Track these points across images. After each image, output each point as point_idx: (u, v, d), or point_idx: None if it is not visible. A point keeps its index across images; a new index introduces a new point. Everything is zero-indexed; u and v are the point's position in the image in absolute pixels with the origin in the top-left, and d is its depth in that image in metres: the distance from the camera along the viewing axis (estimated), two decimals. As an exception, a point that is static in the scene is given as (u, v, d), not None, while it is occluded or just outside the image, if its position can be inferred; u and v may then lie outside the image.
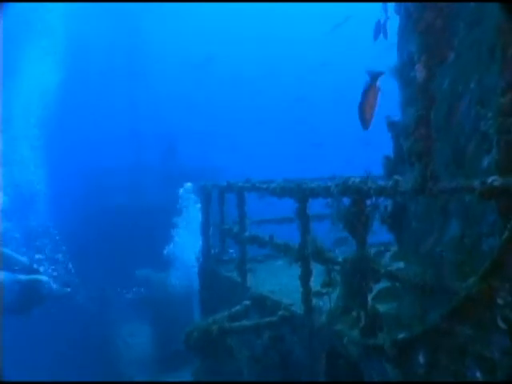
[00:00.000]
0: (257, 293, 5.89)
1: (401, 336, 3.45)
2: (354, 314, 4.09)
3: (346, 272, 3.99)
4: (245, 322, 5.16)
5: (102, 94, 25.67)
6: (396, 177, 3.43)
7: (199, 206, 9.60)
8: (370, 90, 3.57)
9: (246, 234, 6.45)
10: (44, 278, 9.94)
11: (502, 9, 2.83)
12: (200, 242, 8.21)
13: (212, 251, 8.09)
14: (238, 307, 5.54)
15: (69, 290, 10.48)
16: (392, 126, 4.68)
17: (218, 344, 4.81)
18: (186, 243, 12.86)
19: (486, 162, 3.67)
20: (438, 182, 3.13)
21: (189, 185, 15.73)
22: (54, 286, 10.08)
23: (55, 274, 10.39)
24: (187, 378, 8.69)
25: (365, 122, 4.10)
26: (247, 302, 5.63)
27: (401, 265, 4.18)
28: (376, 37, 6.57)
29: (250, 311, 5.71)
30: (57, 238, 11.47)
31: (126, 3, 25.74)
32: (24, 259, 10.19)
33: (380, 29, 6.41)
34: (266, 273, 7.40)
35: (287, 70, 32.92)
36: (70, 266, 10.78)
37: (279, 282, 6.58)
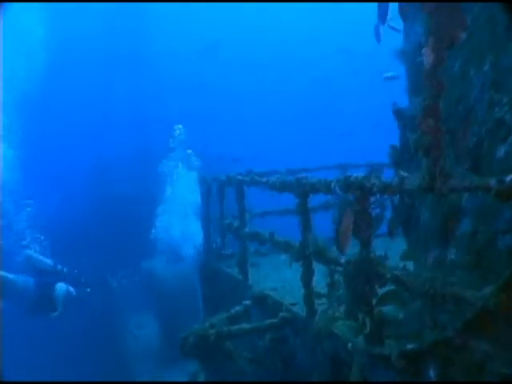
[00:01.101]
0: (258, 291, 5.63)
1: (410, 347, 3.17)
2: (359, 318, 3.81)
3: (349, 274, 3.69)
4: (244, 325, 4.90)
5: (106, 81, 25.25)
6: (402, 173, 3.11)
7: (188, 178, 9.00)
8: (345, 214, 3.41)
9: (246, 229, 6.16)
10: (62, 285, 9.92)
11: (503, 9, 2.54)
12: (186, 228, 7.93)
13: (214, 246, 7.86)
14: (237, 308, 5.28)
15: (88, 290, 10.46)
16: (398, 114, 4.35)
17: (215, 349, 4.57)
18: (173, 228, 12.36)
19: (501, 151, 3.34)
20: (448, 179, 2.80)
21: (180, 127, 14.53)
22: (73, 289, 10.08)
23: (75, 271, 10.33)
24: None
25: (341, 246, 3.95)
26: (247, 302, 5.37)
27: (410, 265, 3.88)
28: (378, 39, 6.29)
29: (251, 311, 5.45)
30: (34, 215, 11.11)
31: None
32: (49, 261, 10.20)
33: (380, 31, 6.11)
34: (269, 267, 7.15)
35: (302, 55, 32.19)
36: (48, 248, 10.55)
37: (282, 278, 6.31)
